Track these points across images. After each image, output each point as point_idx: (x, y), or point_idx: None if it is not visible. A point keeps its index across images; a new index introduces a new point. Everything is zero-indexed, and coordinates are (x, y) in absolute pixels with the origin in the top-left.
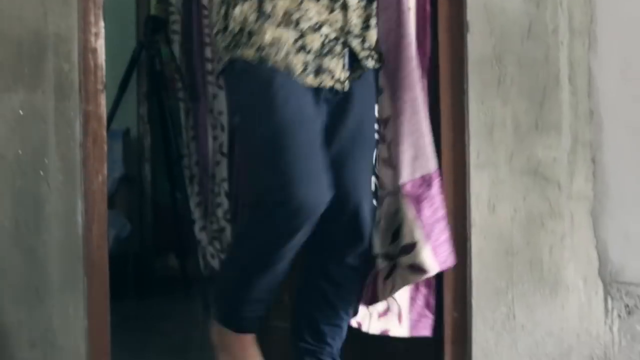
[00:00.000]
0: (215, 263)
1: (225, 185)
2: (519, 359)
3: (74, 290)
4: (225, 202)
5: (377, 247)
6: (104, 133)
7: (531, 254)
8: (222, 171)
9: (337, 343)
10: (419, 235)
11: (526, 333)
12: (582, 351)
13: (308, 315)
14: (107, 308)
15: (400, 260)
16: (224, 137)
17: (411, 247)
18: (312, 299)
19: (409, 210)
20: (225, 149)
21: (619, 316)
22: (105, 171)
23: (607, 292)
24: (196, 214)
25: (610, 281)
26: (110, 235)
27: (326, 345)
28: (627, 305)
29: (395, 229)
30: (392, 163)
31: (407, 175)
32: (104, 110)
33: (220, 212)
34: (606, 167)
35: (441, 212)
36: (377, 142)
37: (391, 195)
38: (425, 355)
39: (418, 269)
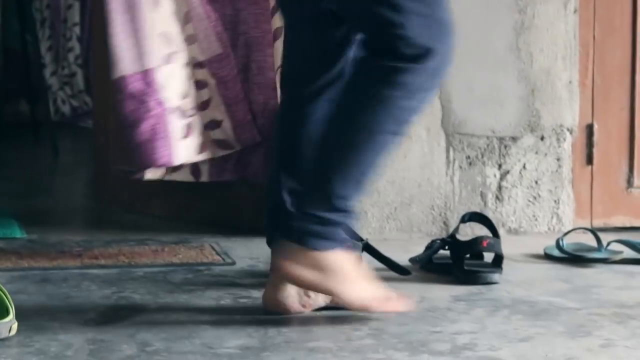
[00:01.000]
0: (65, 109)
1: (77, 30)
2: (361, 207)
3: None
4: (77, 47)
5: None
6: None
7: None
8: (74, 15)
9: None
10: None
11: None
12: (423, 201)
13: None
14: None
15: (208, 133)
16: None
17: (218, 123)
18: None
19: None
20: None
21: (460, 167)
22: None
23: (449, 143)
24: (47, 58)
25: (452, 132)
26: None
27: None
28: (468, 157)
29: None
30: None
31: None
32: None
33: (71, 57)
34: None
35: (240, 93)
36: None
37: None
38: None
39: (225, 145)
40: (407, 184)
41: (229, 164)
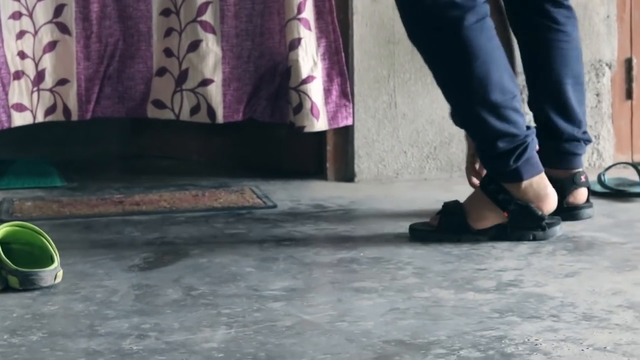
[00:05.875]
0: None
1: None
2: (400, 147)
3: None
4: None
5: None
6: None
7: None
8: None
9: None
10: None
11: (407, 121)
12: (463, 139)
13: None
14: None
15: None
16: None
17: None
18: None
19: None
20: None
21: None
22: None
23: None
24: None
25: None
26: None
27: None
28: None
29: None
30: None
31: None
32: None
33: None
34: None
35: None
36: None
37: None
38: (308, 142)
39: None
40: (446, 123)
41: (241, 104)
